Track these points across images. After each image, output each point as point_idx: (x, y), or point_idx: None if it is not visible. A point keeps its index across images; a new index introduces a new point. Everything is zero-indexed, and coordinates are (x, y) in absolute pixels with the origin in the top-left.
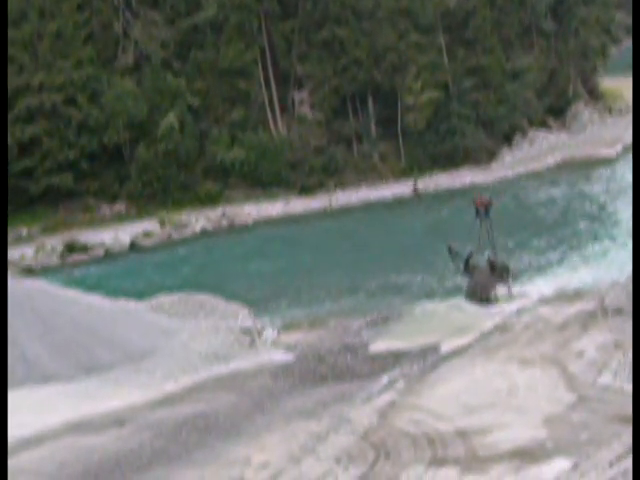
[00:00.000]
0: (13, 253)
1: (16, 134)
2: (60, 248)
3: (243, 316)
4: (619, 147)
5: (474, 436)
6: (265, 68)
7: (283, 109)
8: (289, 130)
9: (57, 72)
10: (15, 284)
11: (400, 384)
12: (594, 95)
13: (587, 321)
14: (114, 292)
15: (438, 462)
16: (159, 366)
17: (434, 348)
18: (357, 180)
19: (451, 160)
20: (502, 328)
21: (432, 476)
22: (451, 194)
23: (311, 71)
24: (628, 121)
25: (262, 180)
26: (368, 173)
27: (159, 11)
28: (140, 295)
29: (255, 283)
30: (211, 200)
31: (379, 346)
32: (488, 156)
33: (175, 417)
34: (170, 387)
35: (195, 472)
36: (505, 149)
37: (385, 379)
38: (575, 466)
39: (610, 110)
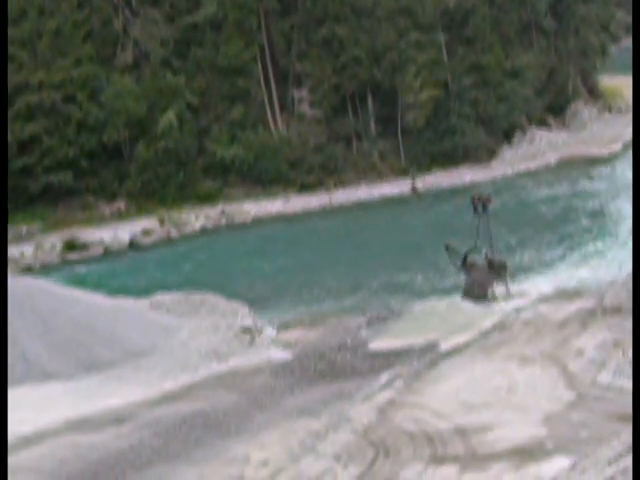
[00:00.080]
0: (13, 251)
1: (16, 132)
2: (60, 246)
3: (243, 314)
4: (619, 145)
5: (473, 434)
6: (264, 66)
7: (282, 107)
8: (288, 128)
9: (57, 70)
10: (15, 282)
11: (399, 382)
12: (594, 93)
13: (586, 319)
14: (114, 290)
15: (437, 460)
16: (159, 364)
17: (434, 346)
18: (357, 178)
19: (451, 158)
20: (502, 326)
21: (431, 474)
22: (451, 192)
23: (310, 69)
24: (628, 119)
25: (261, 178)
26: (368, 171)
27: (159, 9)
28: (140, 293)
29: (255, 281)
30: (210, 198)
31: (379, 344)
32: (488, 154)
33: (175, 415)
34: (170, 385)
35: (195, 470)
36: (505, 147)
37: (384, 377)
38: (574, 464)
39: (610, 108)
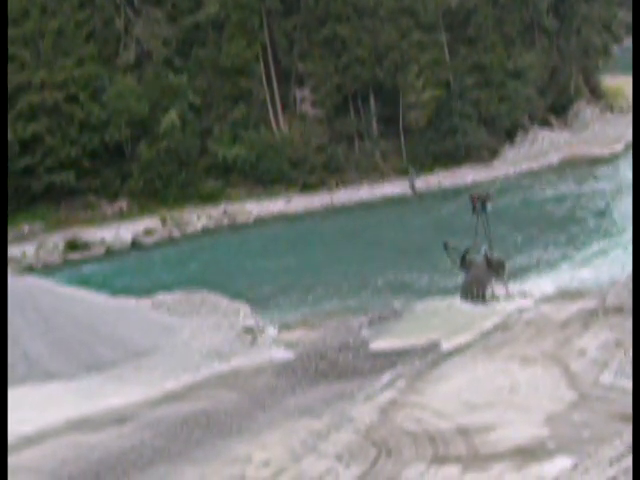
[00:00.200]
0: (14, 251)
1: (18, 132)
2: (61, 246)
3: (245, 314)
4: (621, 145)
5: (475, 434)
6: (267, 66)
7: (285, 107)
8: (290, 128)
9: (59, 70)
10: (16, 282)
11: (401, 382)
12: (596, 93)
13: (588, 319)
14: (115, 290)
15: (439, 460)
16: (160, 364)
17: (435, 346)
18: (358, 178)
19: (453, 158)
20: (503, 326)
21: (433, 474)
22: (453, 192)
23: (313, 69)
24: (630, 119)
25: (263, 178)
26: (370, 171)
27: (161, 8)
28: (141, 293)
29: (256, 281)
30: (212, 198)
31: (380, 344)
32: (490, 154)
33: (176, 415)
34: (171, 385)
35: (196, 470)
36: (507, 147)
37: (386, 377)
38: (576, 464)
39: (612, 108)
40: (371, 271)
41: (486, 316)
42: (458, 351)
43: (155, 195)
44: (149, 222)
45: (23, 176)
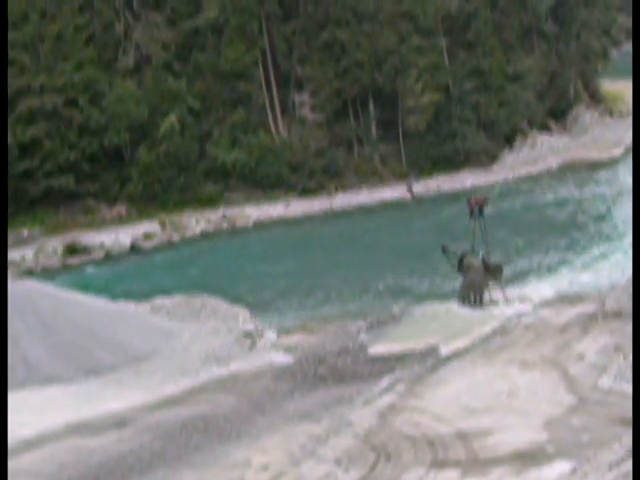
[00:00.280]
0: (14, 255)
1: (17, 136)
2: (61, 250)
3: (244, 318)
4: (620, 150)
5: (474, 438)
6: (266, 70)
7: (284, 111)
8: (290, 132)
9: (58, 74)
10: (16, 285)
11: (400, 386)
12: (595, 98)
13: (588, 324)
14: (114, 294)
15: (439, 464)
16: (159, 368)
17: (434, 350)
18: (358, 182)
19: (452, 162)
20: (502, 330)
21: (433, 478)
22: (452, 197)
23: (312, 73)
24: (629, 124)
25: (262, 182)
26: (369, 175)
27: (160, 13)
28: (140, 297)
29: (256, 285)
30: (211, 202)
31: (379, 348)
32: (489, 158)
33: (175, 419)
34: (170, 389)
35: (195, 474)
36: (506, 151)
37: (385, 381)
38: (575, 469)
39: (611, 113)
40: (371, 275)
41: (485, 320)
42: (457, 356)
43: (154, 199)
44: (148, 226)
45: (22, 180)
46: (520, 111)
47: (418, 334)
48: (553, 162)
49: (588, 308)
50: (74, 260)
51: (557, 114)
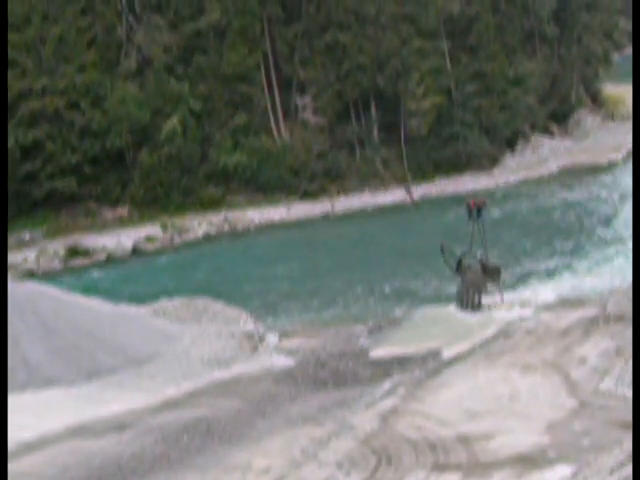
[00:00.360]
0: (15, 257)
1: (19, 138)
2: (62, 252)
3: (245, 321)
4: (622, 153)
5: (476, 442)
6: (268, 73)
7: (285, 114)
8: (291, 135)
9: (60, 76)
10: (17, 287)
11: (402, 390)
12: (597, 101)
13: (589, 327)
14: (116, 296)
15: (440, 468)
16: (161, 371)
17: (436, 354)
18: (359, 185)
19: (454, 166)
20: (504, 334)
21: None
22: (454, 200)
23: (314, 76)
24: (630, 127)
25: (264, 185)
26: (370, 179)
27: (162, 16)
28: (142, 299)
29: (258, 288)
30: (213, 205)
31: (380, 352)
32: (491, 162)
33: (177, 422)
34: (172, 392)
35: (196, 477)
36: (508, 155)
37: (387, 385)
38: (576, 472)
39: (613, 116)
40: (375, 278)
41: (486, 324)
42: (459, 359)
43: (156, 202)
44: (150, 229)
45: (24, 182)
46: (522, 115)
47: (420, 337)
48: (555, 166)
49: (590, 312)
50: (76, 263)
51: (559, 118)
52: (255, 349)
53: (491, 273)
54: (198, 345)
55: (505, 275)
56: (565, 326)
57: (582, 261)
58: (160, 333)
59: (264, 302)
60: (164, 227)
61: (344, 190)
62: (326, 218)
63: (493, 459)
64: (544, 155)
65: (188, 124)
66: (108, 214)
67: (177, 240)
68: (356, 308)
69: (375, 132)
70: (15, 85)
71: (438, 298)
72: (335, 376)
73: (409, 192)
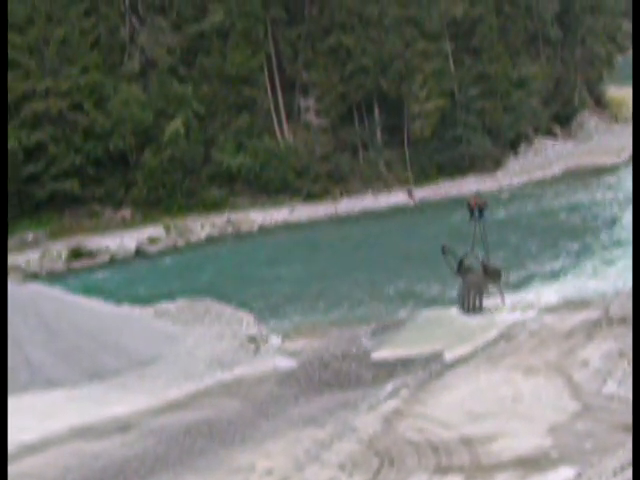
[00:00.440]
0: (18, 258)
1: (22, 140)
2: (65, 254)
3: (248, 323)
4: (625, 155)
5: (478, 444)
6: (271, 75)
7: (289, 116)
8: (295, 137)
9: (63, 78)
10: (19, 289)
11: (405, 392)
12: (600, 104)
13: (592, 330)
14: (119, 298)
15: (442, 470)
16: (163, 372)
17: (438, 356)
18: (363, 188)
19: (457, 168)
20: (507, 336)
21: None
22: (457, 202)
23: (317, 78)
24: None
25: (267, 187)
26: (374, 181)
27: (166, 17)
28: (145, 301)
29: (261, 290)
30: (216, 206)
31: (383, 354)
32: (494, 164)
33: (179, 423)
34: (174, 393)
35: (199, 478)
36: (511, 157)
37: (389, 387)
38: (579, 475)
39: (616, 119)
40: (378, 280)
41: (489, 326)
42: (461, 361)
43: (159, 203)
44: (153, 230)
45: (27, 184)
46: (525, 117)
47: (422, 339)
48: (558, 168)
49: (593, 314)
50: (79, 264)
51: (562, 120)
52: (258, 351)
53: (492, 274)
54: (201, 347)
55: (509, 277)
56: (568, 328)
57: (586, 263)
58: (163, 334)
59: (267, 304)
60: (167, 229)
61: (347, 192)
62: (329, 220)
63: (496, 461)
64: (547, 157)
65: (191, 126)
66: (111, 215)
67: (180, 242)
68: (360, 310)
69: (378, 134)
70: (18, 86)
71: (441, 300)
72: (338, 378)
73: (411, 195)
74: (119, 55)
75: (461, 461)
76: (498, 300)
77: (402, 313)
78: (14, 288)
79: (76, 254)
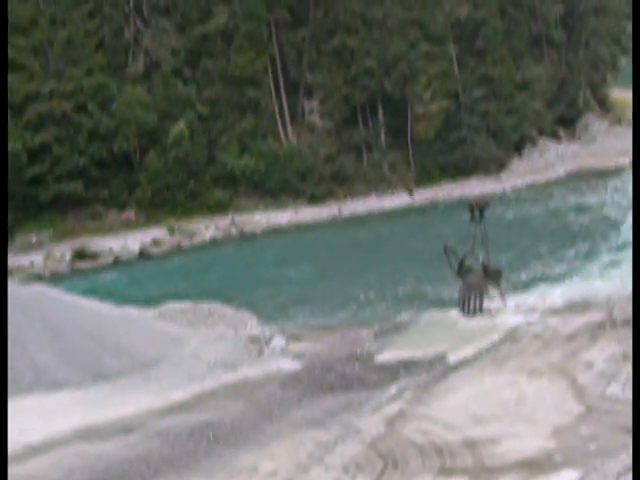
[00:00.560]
0: (22, 260)
1: (26, 141)
2: (69, 255)
3: (252, 324)
4: (629, 158)
5: (482, 446)
6: (275, 77)
7: (293, 118)
8: (299, 139)
9: (68, 79)
10: (23, 290)
11: (408, 394)
12: (604, 106)
13: (596, 332)
14: (123, 299)
15: (446, 472)
16: (167, 374)
17: (442, 358)
18: (366, 189)
19: (461, 170)
20: (511, 338)
21: None
22: (461, 204)
23: (321, 80)
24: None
25: (271, 189)
26: (378, 182)
27: (170, 19)
28: (149, 303)
29: (264, 292)
30: (220, 208)
31: (387, 355)
32: (498, 166)
33: (183, 425)
34: (178, 395)
35: None
36: (515, 159)
37: (393, 389)
38: (583, 477)
39: (620, 121)
40: (382, 282)
41: (493, 328)
42: (465, 363)
43: (163, 205)
44: (157, 232)
45: (31, 185)
46: (529, 119)
47: (426, 341)
48: (562, 170)
49: (596, 316)
50: (83, 265)
51: (566, 122)
52: (262, 353)
53: (492, 275)
54: (205, 348)
55: (513, 278)
56: (572, 331)
57: (591, 265)
58: (167, 336)
59: (272, 306)
60: (171, 230)
61: (351, 194)
62: (333, 222)
63: (499, 464)
64: (551, 159)
65: (195, 127)
66: (115, 217)
67: (184, 243)
68: (365, 312)
69: (382, 136)
70: (22, 88)
71: (446, 302)
72: (341, 380)
73: (410, 191)
74: (123, 57)
75: (465, 463)
76: (499, 302)
77: (405, 315)
78: (18, 289)
79: (80, 255)
